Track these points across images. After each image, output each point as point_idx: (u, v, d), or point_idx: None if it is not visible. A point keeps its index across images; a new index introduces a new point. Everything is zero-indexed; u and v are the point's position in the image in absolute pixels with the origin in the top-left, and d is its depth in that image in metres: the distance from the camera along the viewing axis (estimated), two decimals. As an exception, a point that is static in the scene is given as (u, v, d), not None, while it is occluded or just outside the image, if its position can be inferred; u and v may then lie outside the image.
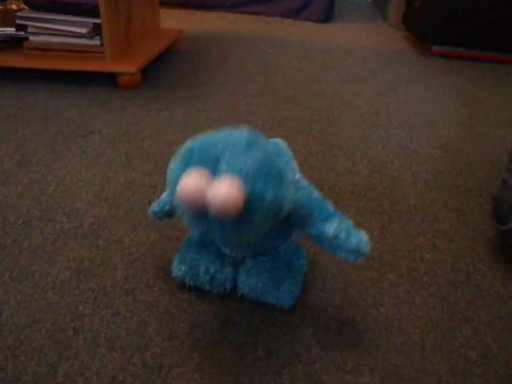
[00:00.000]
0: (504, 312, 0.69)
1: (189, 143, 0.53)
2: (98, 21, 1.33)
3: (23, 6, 1.44)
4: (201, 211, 0.48)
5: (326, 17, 2.41)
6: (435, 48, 1.89)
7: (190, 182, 0.47)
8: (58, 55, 1.38)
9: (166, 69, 1.58)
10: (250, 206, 0.48)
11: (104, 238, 0.78)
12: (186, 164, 0.51)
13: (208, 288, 0.66)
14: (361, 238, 0.57)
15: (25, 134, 1.11)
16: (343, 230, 0.57)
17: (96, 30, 1.36)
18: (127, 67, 1.35)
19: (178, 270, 0.66)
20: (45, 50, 1.39)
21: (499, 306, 0.70)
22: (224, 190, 0.46)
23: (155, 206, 0.70)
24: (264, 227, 0.52)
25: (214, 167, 0.49)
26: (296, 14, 2.42)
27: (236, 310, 0.65)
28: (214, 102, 1.34)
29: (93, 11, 1.32)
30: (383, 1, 2.59)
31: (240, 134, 0.52)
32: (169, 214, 0.70)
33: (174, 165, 0.53)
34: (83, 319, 0.63)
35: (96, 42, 1.37)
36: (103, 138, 1.11)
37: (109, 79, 1.40)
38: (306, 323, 0.64)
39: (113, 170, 0.98)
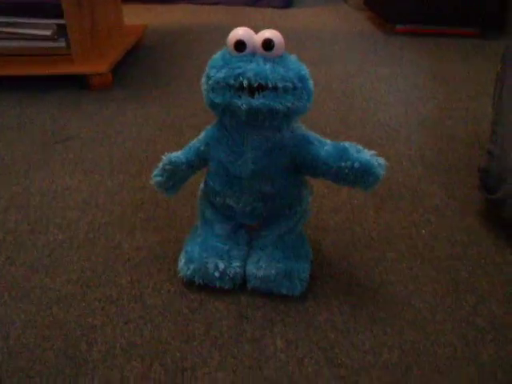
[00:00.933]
0: (503, 279, 0.71)
1: None
2: (61, 21, 1.28)
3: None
4: (245, 51, 0.57)
5: (287, 2, 2.40)
6: (399, 27, 1.92)
7: (240, 29, 0.58)
8: (23, 60, 1.32)
9: (135, 66, 1.54)
10: (287, 60, 0.58)
11: (102, 246, 0.76)
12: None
13: (218, 285, 0.65)
14: (372, 153, 0.60)
15: (-1, 145, 1.06)
16: (353, 145, 0.61)
17: (60, 32, 1.30)
18: (97, 68, 1.31)
19: (186, 269, 0.65)
20: (6, 55, 1.33)
21: (498, 273, 0.72)
22: (270, 30, 0.58)
23: (164, 161, 0.67)
24: (294, 81, 0.57)
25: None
26: (257, 1, 2.40)
27: (248, 305, 0.65)
28: (189, 96, 1.32)
29: (55, 11, 1.27)
30: (341, -18, 2.60)
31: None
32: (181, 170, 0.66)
33: (215, 55, 0.60)
34: (95, 331, 0.61)
35: (61, 43, 1.31)
36: (82, 142, 1.07)
37: (78, 81, 1.35)
38: (318, 310, 0.65)
39: (98, 175, 0.95)
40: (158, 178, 0.68)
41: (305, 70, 0.59)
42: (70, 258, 0.74)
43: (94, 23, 1.42)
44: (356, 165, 0.58)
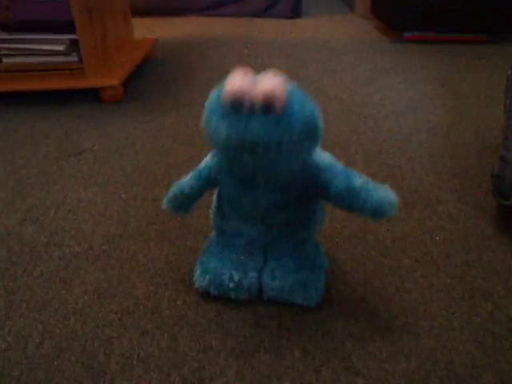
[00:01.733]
0: (520, 285, 0.70)
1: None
2: (73, 37, 1.30)
3: (-7, 28, 1.40)
4: (243, 108, 0.48)
5: (295, 12, 2.42)
6: (406, 34, 1.93)
7: (237, 76, 0.49)
8: (36, 75, 1.35)
9: (146, 79, 1.56)
10: (290, 111, 0.49)
11: (117, 258, 0.77)
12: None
13: (233, 296, 0.66)
14: (388, 189, 0.58)
15: (14, 159, 1.08)
16: (369, 182, 0.58)
17: (73, 47, 1.33)
18: (109, 81, 1.33)
19: (201, 279, 0.66)
20: (21, 71, 1.35)
21: (514, 279, 0.71)
22: (271, 79, 0.48)
23: (174, 190, 0.67)
24: (299, 136, 0.51)
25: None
26: (265, 12, 2.43)
27: (264, 315, 0.65)
28: (199, 108, 1.32)
29: (67, 27, 1.29)
30: (348, -8, 2.62)
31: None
32: (187, 198, 0.66)
33: (212, 93, 0.53)
34: (112, 342, 0.62)
35: (74, 58, 1.34)
36: (96, 155, 1.09)
37: (91, 95, 1.38)
38: (334, 318, 0.65)
39: (112, 187, 0.96)
40: (170, 205, 0.69)
41: (312, 115, 0.52)
42: (85, 269, 0.74)
43: (105, 38, 1.44)
44: (366, 208, 0.57)
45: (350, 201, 0.58)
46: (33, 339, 0.63)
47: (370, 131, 1.18)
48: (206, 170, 0.64)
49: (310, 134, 0.52)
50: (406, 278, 0.71)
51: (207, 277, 0.65)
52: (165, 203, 0.69)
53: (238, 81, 0.49)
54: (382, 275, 0.72)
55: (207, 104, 0.54)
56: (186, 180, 0.66)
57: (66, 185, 0.97)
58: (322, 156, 0.61)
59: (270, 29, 2.21)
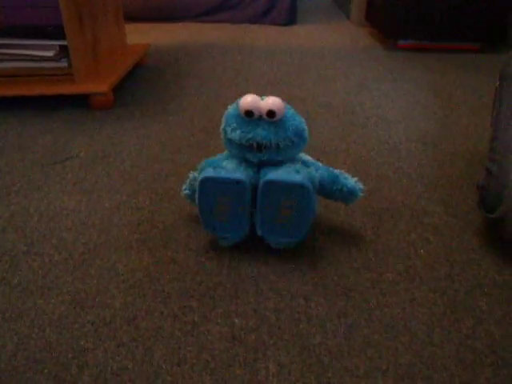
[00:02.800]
0: (502, 299, 0.70)
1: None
2: (63, 42, 1.30)
3: (-17, 33, 1.40)
4: (253, 117, 0.71)
5: (290, 19, 2.43)
6: (400, 42, 1.93)
7: (249, 96, 0.72)
8: (26, 80, 1.35)
9: (137, 85, 1.56)
10: (285, 120, 0.72)
11: (97, 267, 0.76)
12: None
13: (227, 175, 0.72)
14: (355, 179, 0.81)
15: (0, 165, 1.08)
16: (342, 172, 0.81)
17: (62, 52, 1.33)
18: (98, 87, 1.33)
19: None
20: (11, 76, 1.35)
21: (497, 293, 0.71)
22: (274, 98, 0.71)
23: (191, 177, 0.83)
24: (292, 139, 0.73)
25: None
26: (260, 18, 2.44)
27: (241, 328, 0.65)
28: (190, 115, 1.34)
29: (57, 33, 1.29)
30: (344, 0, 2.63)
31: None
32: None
33: (230, 107, 0.75)
34: (86, 354, 0.61)
35: (63, 64, 1.34)
36: (82, 162, 1.08)
37: (80, 101, 1.37)
38: (312, 332, 0.64)
39: (96, 195, 0.95)
40: (187, 192, 0.85)
41: (301, 125, 0.74)
42: (64, 279, 0.74)
43: (95, 44, 1.44)
44: (344, 189, 0.79)
45: (332, 184, 0.78)
46: (6, 350, 0.62)
47: (360, 140, 1.18)
48: (217, 162, 0.78)
49: (299, 136, 0.74)
50: (387, 292, 0.71)
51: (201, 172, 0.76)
52: (182, 190, 0.85)
53: (249, 98, 0.71)
54: (363, 288, 0.71)
55: (226, 115, 0.75)
56: (202, 163, 0.80)
57: (50, 192, 0.97)
58: (307, 157, 0.82)
59: (264, 35, 2.21)
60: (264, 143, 0.72)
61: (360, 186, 0.80)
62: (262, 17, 2.43)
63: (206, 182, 0.73)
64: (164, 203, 0.93)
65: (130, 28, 2.29)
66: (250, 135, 0.72)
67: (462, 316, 0.67)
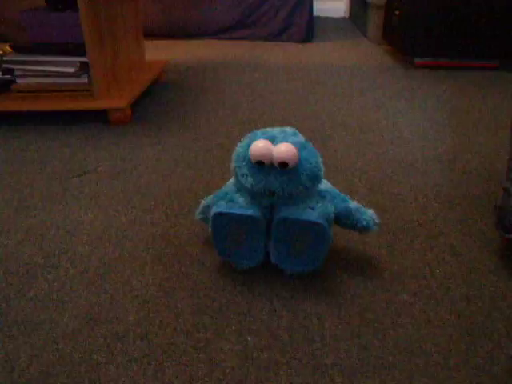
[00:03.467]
0: (521, 323, 0.69)
1: (251, 133, 0.74)
2: (84, 59, 1.34)
3: (8, 49, 1.45)
4: (264, 165, 0.68)
5: (307, 36, 2.45)
6: (418, 60, 1.93)
7: (260, 143, 0.68)
8: (47, 96, 1.39)
9: (154, 101, 1.59)
10: (299, 166, 0.69)
11: (111, 282, 0.77)
12: (252, 140, 0.71)
13: (244, 213, 0.71)
14: (373, 212, 0.78)
15: (19, 178, 1.10)
16: (360, 205, 0.78)
17: (83, 68, 1.37)
18: (117, 103, 1.36)
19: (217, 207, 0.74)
20: (33, 91, 1.39)
21: (516, 317, 0.70)
22: (286, 146, 0.67)
23: (204, 203, 0.82)
24: (306, 185, 0.71)
25: (272, 143, 0.69)
26: (278, 35, 2.47)
27: (254, 346, 0.65)
28: (206, 131, 1.35)
29: (78, 50, 1.33)
30: (361, 18, 2.65)
31: (288, 128, 0.75)
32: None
33: (240, 145, 0.73)
34: (99, 368, 0.62)
35: (84, 79, 1.38)
36: (99, 176, 1.10)
37: (99, 116, 1.40)
38: (325, 352, 0.63)
39: (113, 210, 0.97)
40: (200, 216, 0.84)
41: (316, 167, 0.71)
42: (79, 292, 0.75)
43: (115, 60, 1.48)
44: (358, 225, 0.77)
45: (346, 219, 0.76)
46: (20, 363, 0.63)
47: (375, 158, 1.18)
48: (230, 194, 0.77)
49: (313, 180, 0.71)
50: (402, 312, 0.70)
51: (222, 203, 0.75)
52: (196, 215, 0.85)
53: (259, 147, 0.68)
54: (377, 308, 0.71)
55: (236, 154, 0.73)
56: (213, 196, 0.79)
57: (67, 206, 0.99)
58: (322, 182, 0.78)
59: (282, 53, 2.24)
60: (276, 192, 0.70)
61: (375, 220, 0.77)
62: (279, 34, 2.46)
63: (219, 216, 0.73)
64: (179, 219, 0.94)
65: (148, 44, 2.34)
66: (261, 184, 0.70)
67: (480, 339, 0.66)
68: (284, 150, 0.67)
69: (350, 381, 0.60)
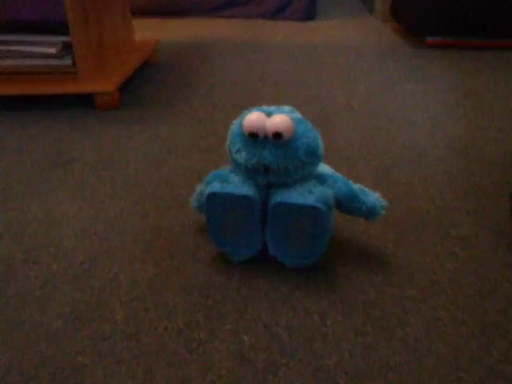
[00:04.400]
0: (538, 320, 0.68)
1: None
2: (67, 39, 1.32)
3: (-16, 29, 1.44)
4: (258, 138, 0.69)
5: (309, 14, 2.44)
6: (429, 39, 1.92)
7: (254, 115, 0.69)
8: (27, 79, 1.37)
9: (145, 84, 1.58)
10: (295, 139, 0.69)
11: (97, 278, 0.77)
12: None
13: (236, 191, 0.71)
14: (377, 195, 0.78)
15: (-2, 168, 1.10)
16: (363, 187, 0.78)
17: (66, 49, 1.35)
18: (104, 86, 1.35)
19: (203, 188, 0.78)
20: (12, 73, 1.38)
21: (532, 314, 0.70)
22: (281, 116, 0.68)
23: (200, 188, 0.82)
24: (304, 160, 0.71)
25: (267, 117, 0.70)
26: (276, 14, 2.45)
27: (250, 346, 0.64)
28: (201, 116, 1.35)
29: (61, 29, 1.32)
30: (367, -7, 2.63)
31: (285, 106, 0.74)
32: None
33: (234, 123, 0.74)
34: (84, 371, 0.62)
35: (67, 61, 1.36)
36: (84, 166, 1.10)
37: (84, 101, 1.39)
38: (327, 352, 0.63)
39: (99, 201, 0.97)
40: (195, 204, 0.85)
41: (314, 142, 0.71)
42: (63, 290, 0.75)
43: (101, 40, 1.47)
44: (364, 208, 0.76)
45: (351, 201, 0.76)
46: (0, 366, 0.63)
47: (382, 145, 1.17)
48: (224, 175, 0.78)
49: (311, 156, 0.71)
50: (410, 309, 0.70)
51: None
52: (191, 202, 0.86)
53: (253, 117, 0.68)
54: (383, 305, 0.71)
55: (230, 132, 0.74)
56: (208, 177, 0.80)
57: (49, 197, 0.98)
58: (324, 167, 0.80)
59: (281, 32, 2.22)
60: (271, 167, 0.70)
61: (382, 202, 0.78)
62: (278, 12, 2.44)
63: (212, 197, 0.73)
64: (171, 211, 0.93)
65: (137, 23, 2.32)
66: (255, 159, 0.70)
67: (493, 338, 0.66)
68: (278, 120, 0.68)
69: (354, 383, 0.60)
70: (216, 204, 0.73)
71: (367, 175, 1.04)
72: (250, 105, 1.40)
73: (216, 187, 0.73)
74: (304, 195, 0.70)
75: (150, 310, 0.70)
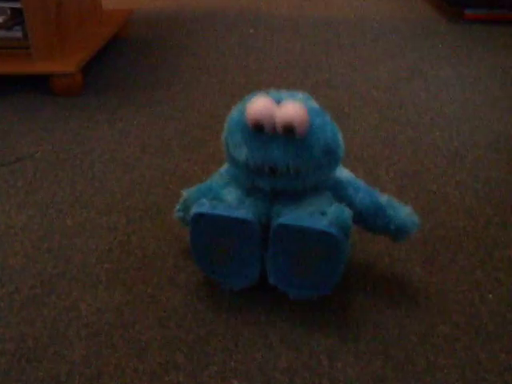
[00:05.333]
0: None
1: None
2: (17, 5, 1.33)
3: None
4: (265, 130, 0.67)
5: (321, -20, 2.45)
6: (468, 12, 1.94)
7: (260, 101, 0.67)
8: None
9: (114, 64, 1.58)
10: (311, 135, 0.67)
11: (51, 306, 0.77)
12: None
13: (235, 215, 0.71)
14: (410, 208, 0.78)
15: None
16: (392, 199, 0.78)
17: (16, 18, 1.36)
18: (63, 66, 1.36)
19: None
20: None
21: None
22: (294, 105, 0.66)
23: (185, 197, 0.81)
24: (320, 160, 0.70)
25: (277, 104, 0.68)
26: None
27: (242, 393, 0.65)
28: (183, 105, 1.35)
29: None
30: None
31: (299, 93, 0.73)
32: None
33: (234, 109, 0.73)
34: (33, 423, 0.62)
35: (17, 33, 1.37)
36: (38, 165, 1.10)
37: (39, 84, 1.40)
38: (338, 403, 0.64)
39: (55, 210, 0.97)
40: (180, 214, 0.84)
41: (334, 138, 0.71)
42: (7, 320, 0.75)
43: (60, 7, 1.47)
44: (391, 226, 0.76)
45: (375, 217, 0.76)
46: None
47: (408, 144, 1.18)
48: (216, 187, 0.78)
49: (329, 157, 0.71)
50: (440, 351, 0.71)
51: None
52: (175, 211, 0.85)
53: (259, 105, 0.67)
54: (408, 345, 0.71)
55: (228, 120, 0.72)
56: (195, 189, 0.80)
57: (-7, 204, 0.99)
58: (343, 171, 0.79)
59: (285, 2, 2.24)
60: (279, 168, 0.69)
61: (414, 219, 0.77)
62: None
63: (199, 218, 0.72)
64: (145, 223, 0.94)
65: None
66: (259, 157, 0.69)
67: (544, 387, 0.66)
68: (291, 109, 0.66)
69: None
70: (203, 227, 0.73)
71: (389, 181, 1.05)
72: (246, 93, 1.41)
73: (204, 207, 0.72)
74: (315, 217, 0.70)
75: (117, 347, 0.71)
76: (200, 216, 0.72)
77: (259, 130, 0.68)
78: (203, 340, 0.72)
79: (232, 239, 0.73)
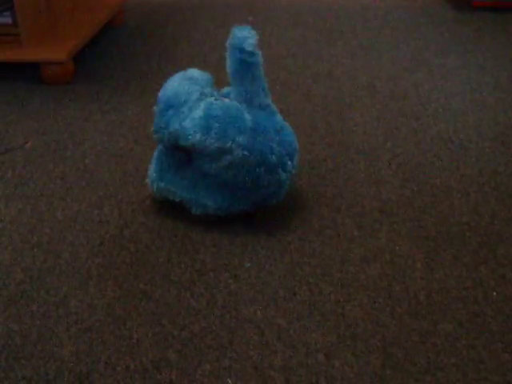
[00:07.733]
0: None
1: None
2: (7, -10, 1.33)
3: None
4: None
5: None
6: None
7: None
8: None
9: (109, 53, 1.58)
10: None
11: (40, 302, 0.77)
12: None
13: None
14: None
15: None
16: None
17: (5, 3, 1.35)
18: (54, 54, 1.35)
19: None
20: None
21: None
22: None
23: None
24: None
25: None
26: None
27: (236, 392, 0.65)
28: (179, 94, 1.35)
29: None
30: None
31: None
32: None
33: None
34: (20, 422, 0.62)
35: (6, 19, 1.37)
36: (27, 156, 1.10)
37: (29, 72, 1.40)
38: (335, 403, 0.64)
39: (45, 203, 0.97)
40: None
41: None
42: (-5, 317, 0.75)
43: (52, -6, 1.47)
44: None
45: None
46: None
47: (411, 136, 1.18)
48: None
49: None
50: (442, 349, 0.71)
51: None
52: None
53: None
54: (408, 343, 0.71)
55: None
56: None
57: (-19, 196, 0.99)
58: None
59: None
60: None
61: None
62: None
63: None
64: (138, 216, 0.94)
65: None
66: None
67: (548, 387, 0.67)
68: None
69: None
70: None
71: (391, 174, 1.05)
72: (244, 81, 1.41)
73: None
74: None
75: (108, 345, 0.71)
76: None
77: None
78: (197, 337, 0.72)
79: None
